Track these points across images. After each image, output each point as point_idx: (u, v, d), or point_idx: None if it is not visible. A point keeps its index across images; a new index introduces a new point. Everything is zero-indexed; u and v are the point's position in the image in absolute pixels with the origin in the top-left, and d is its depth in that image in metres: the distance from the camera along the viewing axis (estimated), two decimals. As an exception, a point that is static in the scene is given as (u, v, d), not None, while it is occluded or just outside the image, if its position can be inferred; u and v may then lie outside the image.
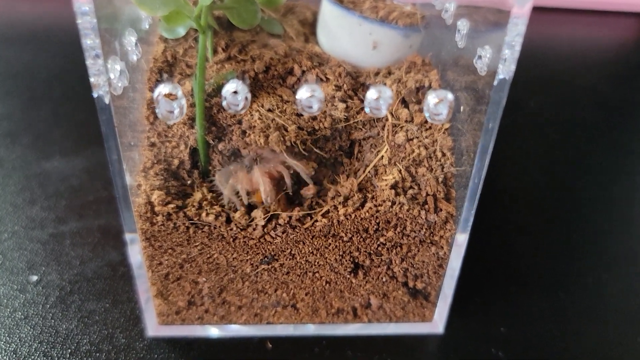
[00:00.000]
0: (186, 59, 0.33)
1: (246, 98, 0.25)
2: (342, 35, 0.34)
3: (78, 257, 0.39)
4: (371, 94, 0.25)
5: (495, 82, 0.25)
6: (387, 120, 0.32)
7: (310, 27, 0.38)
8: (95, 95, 0.25)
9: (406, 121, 0.32)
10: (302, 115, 0.31)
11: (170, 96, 0.24)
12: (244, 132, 0.30)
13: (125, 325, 0.35)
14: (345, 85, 0.32)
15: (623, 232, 0.44)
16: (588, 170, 0.50)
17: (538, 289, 0.39)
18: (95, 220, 0.42)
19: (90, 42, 0.23)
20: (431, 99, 0.25)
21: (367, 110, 0.26)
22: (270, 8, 0.37)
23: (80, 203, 0.44)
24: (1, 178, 0.45)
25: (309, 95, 0.25)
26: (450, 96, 0.25)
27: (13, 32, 0.65)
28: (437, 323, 0.36)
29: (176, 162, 0.31)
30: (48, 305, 0.36)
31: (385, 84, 0.33)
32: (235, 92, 0.24)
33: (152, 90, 0.31)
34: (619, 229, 0.45)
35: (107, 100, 0.26)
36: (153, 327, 0.35)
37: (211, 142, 0.30)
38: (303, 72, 0.32)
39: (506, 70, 0.25)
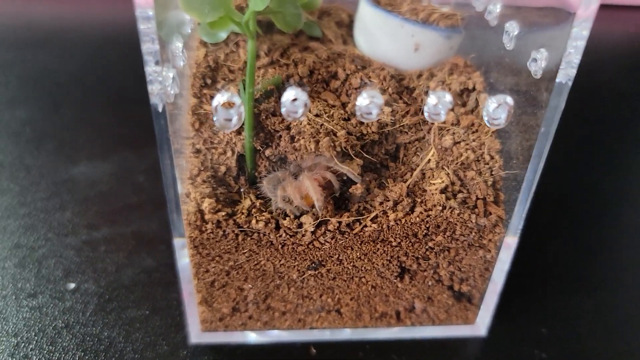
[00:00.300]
0: (228, 63, 0.33)
1: (305, 105, 0.24)
2: (383, 38, 0.34)
3: (113, 264, 0.39)
4: (431, 100, 0.25)
5: (554, 86, 0.25)
6: (433, 123, 0.32)
7: (347, 29, 0.37)
8: (152, 102, 0.24)
9: (452, 124, 0.32)
10: (349, 119, 0.31)
11: (228, 105, 0.24)
12: (292, 138, 0.30)
13: (167, 332, 0.35)
14: (390, 89, 0.32)
15: (656, 230, 0.44)
16: (616, 167, 0.50)
17: (576, 288, 0.39)
18: (127, 227, 0.42)
19: (151, 48, 0.23)
20: (490, 103, 0.25)
21: (425, 115, 0.25)
22: (308, 11, 0.36)
23: (111, 209, 0.43)
24: (29, 184, 0.45)
25: (368, 102, 0.24)
26: (509, 100, 0.25)
27: (28, 34, 0.64)
28: (479, 326, 0.36)
29: (223, 168, 0.30)
30: (88, 313, 0.36)
31: (429, 87, 0.33)
32: (294, 100, 0.24)
33: (196, 96, 0.31)
34: (652, 227, 0.45)
35: (160, 108, 0.25)
36: (196, 334, 0.34)
37: (259, 148, 0.30)
38: (347, 75, 0.32)
39: (566, 75, 0.25)
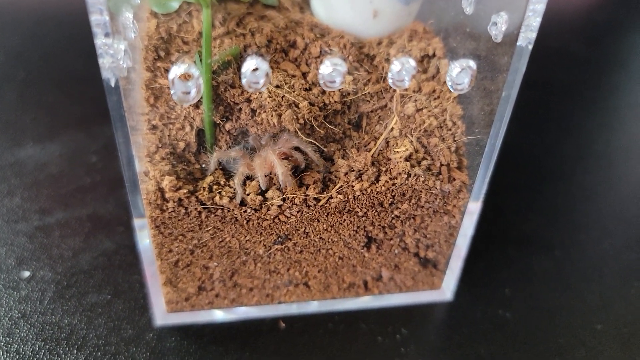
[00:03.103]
0: (181, 34, 0.31)
1: (267, 75, 0.23)
2: (341, 5, 0.33)
3: (70, 249, 0.38)
4: (395, 66, 0.24)
5: (515, 50, 0.25)
6: (394, 91, 0.31)
7: (302, -3, 0.36)
8: (104, 77, 0.23)
9: (414, 91, 0.31)
10: (310, 89, 0.30)
11: (186, 77, 0.23)
12: (253, 111, 0.29)
13: (131, 315, 0.34)
14: (350, 57, 0.31)
15: (609, 189, 0.46)
16: (570, 129, 0.52)
17: (535, 249, 0.40)
18: (82, 209, 0.40)
19: (99, 19, 0.21)
20: (453, 67, 0.25)
21: (390, 82, 0.25)
22: (262, -22, 0.35)
23: (63, 192, 0.41)
24: (-28, 170, 0.42)
25: (331, 70, 0.24)
26: (472, 64, 0.25)
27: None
28: (445, 290, 0.37)
29: (182, 144, 0.29)
30: (46, 302, 0.34)
31: (389, 54, 0.32)
32: (255, 70, 0.23)
33: (149, 69, 0.30)
34: (606, 186, 0.46)
35: (113, 83, 0.24)
36: (161, 316, 0.34)
37: (219, 122, 0.29)
38: (306, 44, 0.31)
39: (526, 38, 0.25)
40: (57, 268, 0.36)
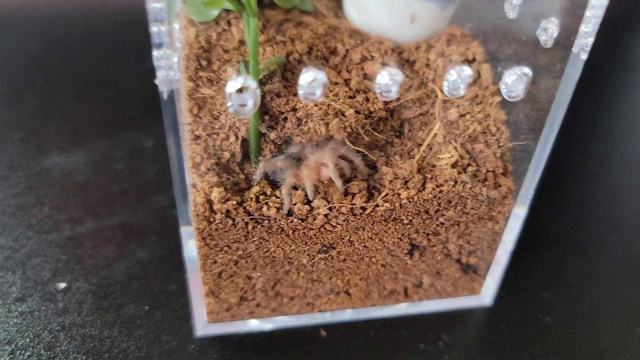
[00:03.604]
0: (221, 42, 0.31)
1: (324, 85, 0.23)
2: (378, 9, 0.33)
3: (103, 259, 0.37)
4: (450, 76, 0.24)
5: (570, 56, 0.25)
6: (436, 96, 0.31)
7: (336, 1, 0.36)
8: (161, 88, 0.23)
9: (446, 95, 0.31)
10: (354, 97, 0.30)
11: (242, 90, 0.23)
12: (299, 120, 0.28)
13: (170, 326, 0.34)
14: (392, 62, 0.31)
15: (637, 187, 0.46)
16: (593, 129, 0.51)
17: (569, 251, 0.40)
18: (112, 218, 0.40)
19: (161, 30, 0.21)
20: (508, 75, 0.24)
21: (445, 91, 0.25)
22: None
23: (92, 201, 0.41)
24: (-1, 180, 0.42)
25: (388, 80, 0.24)
26: (528, 71, 0.24)
27: (-27, 16, 0.59)
28: (484, 295, 0.36)
29: (227, 155, 0.29)
30: (84, 313, 0.34)
31: (429, 59, 0.32)
32: (312, 81, 0.23)
33: (191, 79, 0.29)
34: (633, 185, 0.46)
35: (166, 95, 0.24)
36: (202, 326, 0.33)
37: (264, 131, 0.29)
38: (347, 51, 0.31)
39: (582, 44, 0.24)
40: (92, 279, 0.36)
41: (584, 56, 0.25)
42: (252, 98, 0.23)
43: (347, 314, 0.35)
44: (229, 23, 0.31)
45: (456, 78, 0.24)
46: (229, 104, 0.23)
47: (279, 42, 0.31)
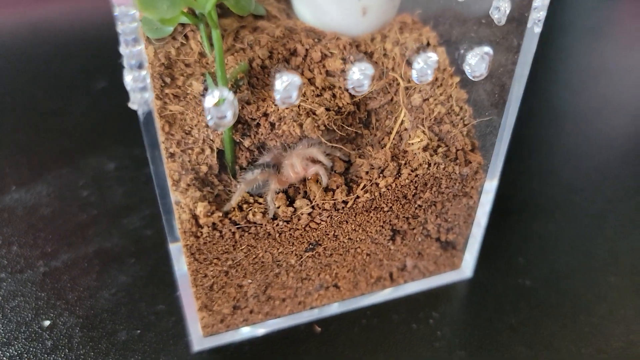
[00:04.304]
0: (181, 57, 0.31)
1: (299, 88, 0.24)
2: (329, 6, 0.33)
3: (85, 290, 0.36)
4: (417, 63, 0.25)
5: (526, 31, 0.26)
6: (398, 84, 0.32)
7: (285, 2, 0.36)
8: (139, 110, 0.23)
9: (416, 83, 0.32)
10: (320, 95, 0.30)
11: (220, 102, 0.23)
12: (272, 125, 0.29)
13: (166, 346, 0.34)
14: (351, 57, 0.32)
15: (589, 146, 0.48)
16: (537, 93, 0.54)
17: (536, 215, 0.42)
18: (86, 247, 0.39)
19: (134, 51, 0.21)
20: (472, 56, 0.26)
21: (414, 78, 0.26)
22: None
23: (62, 232, 0.40)
24: (-41, 224, 0.40)
25: (359, 75, 0.24)
26: (489, 50, 0.26)
27: None
28: (464, 269, 0.38)
29: (204, 168, 0.29)
30: (75, 348, 0.33)
31: (385, 49, 0.33)
32: (287, 85, 0.23)
33: (158, 97, 0.29)
34: (585, 145, 0.48)
35: (143, 117, 0.23)
36: (198, 341, 0.33)
37: (238, 140, 0.29)
38: (307, 50, 0.31)
39: (535, 18, 0.26)
40: (77, 311, 0.35)
41: (538, 30, 0.26)
42: (231, 109, 0.23)
43: (338, 307, 0.36)
44: (186, 37, 0.31)
45: (423, 65, 0.25)
46: (208, 118, 0.23)
47: (239, 49, 0.31)
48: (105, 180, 0.44)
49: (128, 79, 0.22)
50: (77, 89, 0.54)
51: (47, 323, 0.35)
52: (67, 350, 0.33)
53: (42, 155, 0.46)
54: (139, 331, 0.34)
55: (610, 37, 0.63)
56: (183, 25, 0.32)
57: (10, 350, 0.33)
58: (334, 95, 0.30)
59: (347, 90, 0.31)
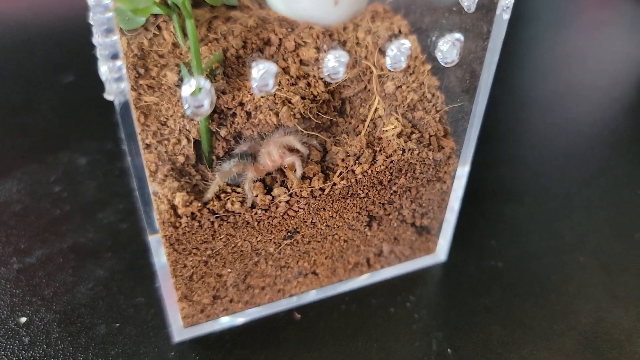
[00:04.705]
0: (154, 48, 0.31)
1: (275, 75, 0.24)
2: (302, -4, 0.34)
3: (61, 285, 0.36)
4: (391, 51, 0.25)
5: (495, 18, 0.27)
6: (371, 73, 0.32)
7: (257, -7, 0.36)
8: (116, 100, 0.22)
9: (390, 70, 0.33)
10: (295, 84, 0.30)
11: (197, 91, 0.23)
12: (248, 114, 0.29)
13: (146, 338, 0.34)
14: (324, 46, 0.32)
15: (555, 132, 0.50)
16: (504, 81, 0.55)
17: (505, 199, 0.43)
18: (61, 242, 0.39)
19: (109, 41, 0.21)
20: (443, 43, 0.26)
21: (388, 65, 0.26)
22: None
23: (35, 228, 0.40)
24: None
25: (335, 63, 0.25)
26: (460, 37, 0.26)
27: None
28: (439, 253, 0.39)
29: (181, 158, 0.29)
30: (53, 343, 0.33)
31: (358, 37, 0.33)
32: (264, 73, 0.23)
33: (133, 89, 0.29)
34: (551, 130, 0.50)
35: (119, 108, 0.23)
36: (179, 332, 0.33)
37: (215, 130, 0.29)
38: (280, 40, 0.32)
39: (503, 5, 0.27)
40: (54, 307, 0.35)
41: (506, 16, 0.27)
42: (208, 98, 0.23)
43: (317, 294, 0.36)
44: (158, 28, 0.31)
45: (396, 52, 0.26)
46: (185, 107, 0.23)
47: (212, 39, 0.31)
48: (77, 175, 0.44)
49: (103, 69, 0.22)
50: (42, 83, 0.53)
51: (23, 320, 0.34)
52: (45, 346, 0.33)
53: (9, 152, 0.45)
54: (118, 324, 0.34)
55: (573, 27, 0.65)
56: (155, 15, 0.31)
57: (-14, 348, 0.33)
58: (308, 84, 0.31)
59: (321, 79, 0.31)
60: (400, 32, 0.34)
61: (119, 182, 0.43)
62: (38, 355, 0.32)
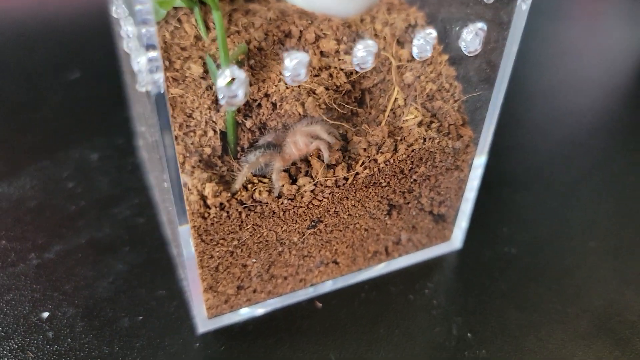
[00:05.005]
0: (176, 41, 0.31)
1: (307, 65, 0.24)
2: (319, -11, 0.34)
3: (82, 280, 0.36)
4: (418, 40, 0.26)
5: (516, 7, 0.27)
6: (390, 64, 0.33)
7: (272, -14, 0.37)
8: (152, 91, 0.23)
9: (408, 61, 0.33)
10: (318, 75, 0.31)
11: (232, 82, 0.23)
12: (274, 105, 0.29)
13: (170, 330, 0.34)
14: (344, 37, 0.33)
15: (557, 122, 0.51)
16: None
17: (515, 188, 0.44)
18: (78, 238, 0.39)
19: (150, 31, 0.21)
20: (467, 33, 0.27)
21: (415, 54, 0.27)
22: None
23: (52, 224, 0.40)
24: (-59, 221, 0.39)
25: (364, 53, 0.25)
26: (483, 26, 0.27)
27: None
28: (454, 241, 0.39)
29: (208, 150, 0.29)
30: (77, 337, 0.33)
31: (375, 29, 0.34)
32: (297, 63, 0.24)
33: (159, 81, 0.29)
34: (554, 120, 0.51)
35: (155, 96, 0.24)
36: (203, 323, 0.34)
37: (240, 121, 0.29)
38: (301, 32, 0.32)
39: (524, -5, 0.27)
40: (75, 302, 0.35)
41: (525, 7, 0.27)
42: (242, 88, 0.24)
43: (338, 283, 0.37)
44: (179, 21, 0.31)
45: (423, 41, 0.26)
46: (220, 97, 0.24)
47: (234, 32, 0.31)
48: (89, 171, 0.44)
49: (141, 60, 0.22)
50: (49, 80, 0.52)
51: (45, 314, 0.34)
52: (69, 340, 0.33)
53: (21, 149, 0.45)
54: (141, 317, 0.34)
55: (572, 19, 0.66)
56: (175, 8, 0.32)
57: (10, 344, 0.33)
58: (330, 75, 0.31)
59: (342, 69, 0.31)
60: (416, 23, 0.34)
61: (132, 178, 0.43)
62: (63, 349, 0.33)
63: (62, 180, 0.43)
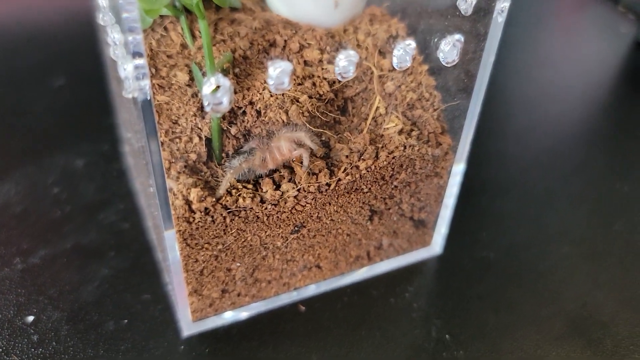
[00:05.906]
0: (162, 48, 0.31)
1: (291, 74, 0.25)
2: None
3: (67, 284, 0.37)
4: (397, 51, 0.27)
5: (492, 20, 0.28)
6: (372, 73, 0.34)
7: (257, -4, 0.37)
8: (140, 98, 0.23)
9: (389, 70, 0.34)
10: (301, 84, 0.32)
11: (217, 89, 0.24)
12: (258, 112, 0.30)
13: (155, 333, 0.34)
14: (327, 47, 0.33)
15: (536, 130, 0.52)
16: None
17: (495, 193, 0.45)
18: (64, 243, 0.39)
19: (135, 39, 0.22)
20: (445, 44, 0.28)
21: (395, 64, 0.28)
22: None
23: (37, 229, 0.40)
24: None
25: (346, 62, 0.26)
26: (460, 38, 0.28)
27: None
28: (434, 246, 0.40)
29: (193, 156, 0.30)
30: (62, 340, 0.34)
31: (358, 39, 0.35)
32: (280, 72, 0.25)
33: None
34: (532, 128, 0.52)
35: (141, 103, 0.24)
36: (188, 326, 0.34)
37: (225, 128, 0.30)
38: (285, 41, 0.33)
39: (500, 8, 0.28)
40: (60, 306, 0.35)
41: (501, 19, 0.28)
42: (227, 96, 0.24)
43: (320, 287, 0.37)
44: (165, 29, 0.32)
45: (402, 52, 0.27)
46: (205, 104, 0.24)
47: (220, 40, 0.32)
48: (75, 176, 0.44)
49: (128, 67, 0.23)
50: (35, 86, 0.53)
51: (30, 318, 0.35)
52: (54, 343, 0.33)
53: (4, 154, 0.45)
54: (126, 321, 0.35)
55: (551, 29, 0.67)
56: (162, 17, 0.32)
57: (-4, 347, 0.33)
58: (314, 84, 0.32)
59: (325, 79, 0.32)
60: (397, 34, 0.35)
61: (118, 183, 0.44)
62: (48, 352, 0.33)
63: (47, 185, 0.43)
